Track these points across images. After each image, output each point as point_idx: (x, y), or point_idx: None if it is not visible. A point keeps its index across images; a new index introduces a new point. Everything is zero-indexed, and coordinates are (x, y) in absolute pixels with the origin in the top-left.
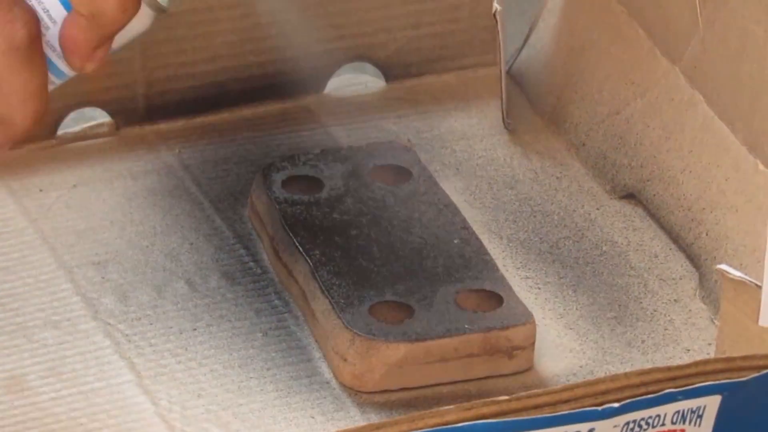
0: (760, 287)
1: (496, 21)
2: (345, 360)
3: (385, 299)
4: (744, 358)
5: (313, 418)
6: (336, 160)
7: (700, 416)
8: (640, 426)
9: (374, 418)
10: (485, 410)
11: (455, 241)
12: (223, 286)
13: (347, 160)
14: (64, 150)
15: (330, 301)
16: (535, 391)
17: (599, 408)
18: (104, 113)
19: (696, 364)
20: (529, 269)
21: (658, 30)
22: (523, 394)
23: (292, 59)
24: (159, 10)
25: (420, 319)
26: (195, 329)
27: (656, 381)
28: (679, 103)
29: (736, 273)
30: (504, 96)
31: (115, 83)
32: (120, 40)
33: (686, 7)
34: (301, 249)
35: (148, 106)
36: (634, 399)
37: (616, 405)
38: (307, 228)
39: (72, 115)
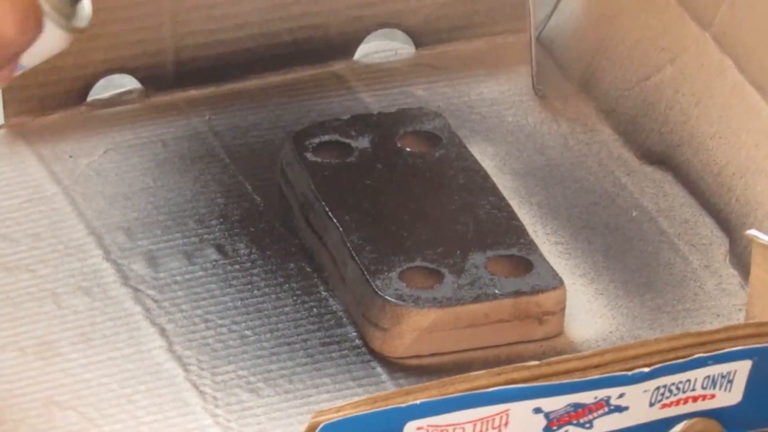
0: None
1: None
2: (375, 326)
3: (415, 265)
4: None
5: (343, 383)
6: (366, 126)
7: (730, 381)
8: (670, 391)
9: (404, 383)
10: (515, 375)
11: (485, 207)
12: (253, 251)
13: (377, 126)
14: (93, 117)
15: (360, 267)
16: (566, 356)
17: (629, 373)
18: (134, 80)
19: (726, 329)
20: (560, 235)
21: None
22: (554, 359)
23: (321, 26)
24: (73, 31)
25: (450, 284)
26: (225, 295)
27: (686, 346)
28: (709, 69)
29: (765, 238)
30: (534, 62)
31: (145, 50)
32: (31, 59)
33: None
34: (331, 214)
35: (178, 72)
36: (664, 364)
37: (646, 370)
38: (337, 194)
39: (101, 81)
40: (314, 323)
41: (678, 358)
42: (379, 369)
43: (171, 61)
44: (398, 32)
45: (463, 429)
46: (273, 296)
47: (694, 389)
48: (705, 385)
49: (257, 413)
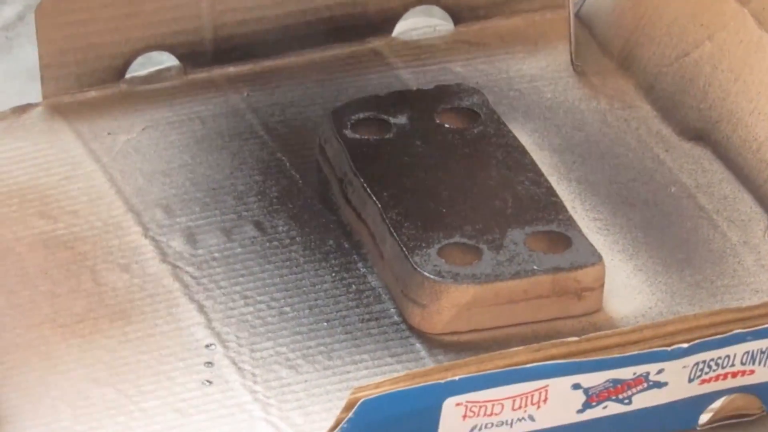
0: None
1: None
2: (414, 302)
3: (454, 241)
4: None
5: (382, 359)
6: (404, 102)
7: None
8: (709, 366)
9: (443, 359)
10: (554, 351)
11: (524, 183)
12: (291, 228)
13: (415, 102)
14: (132, 94)
15: (399, 243)
16: (605, 332)
17: (668, 349)
18: (172, 57)
19: (765, 304)
20: (598, 211)
21: None
22: (593, 335)
23: (359, 3)
24: None
25: (489, 260)
26: (264, 272)
27: (725, 322)
28: (748, 45)
29: None
30: (572, 38)
31: (183, 27)
32: None
33: None
34: (369, 191)
35: (216, 49)
36: (703, 340)
37: (685, 346)
38: (375, 170)
39: (140, 59)
40: (353, 300)
41: (717, 333)
42: (418, 345)
43: (209, 38)
44: (437, 9)
45: (502, 405)
46: (312, 273)
47: (733, 365)
48: (744, 360)
49: (296, 390)
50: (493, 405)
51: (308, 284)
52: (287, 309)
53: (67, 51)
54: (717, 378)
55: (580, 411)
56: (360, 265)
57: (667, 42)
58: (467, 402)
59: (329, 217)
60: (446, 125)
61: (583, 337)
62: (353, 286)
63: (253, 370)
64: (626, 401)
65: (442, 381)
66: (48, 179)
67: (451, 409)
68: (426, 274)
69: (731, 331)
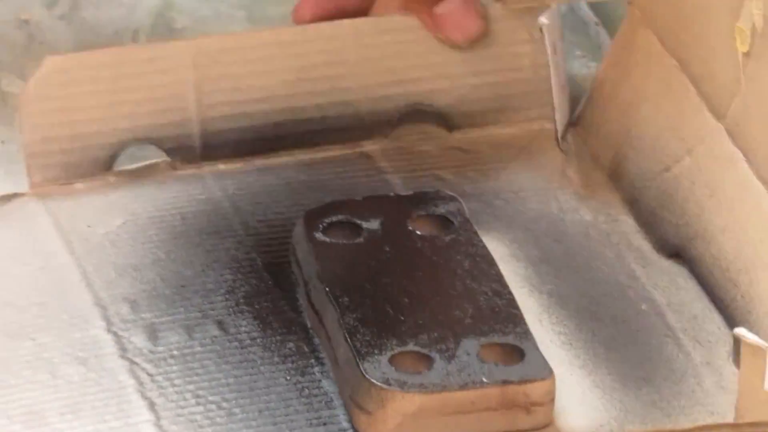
0: None
1: (542, 34)
2: (361, 408)
3: (407, 349)
4: (750, 424)
5: None
6: (380, 207)
7: None
8: None
9: None
10: None
11: (486, 294)
12: (254, 329)
13: (390, 207)
14: (117, 186)
15: (351, 349)
16: None
17: None
18: (160, 151)
19: (700, 428)
20: (564, 325)
21: (704, 85)
22: None
23: (351, 104)
24: None
25: (439, 370)
26: (220, 371)
27: None
28: (722, 161)
29: (751, 337)
30: (557, 114)
31: (171, 121)
32: None
33: (731, 62)
34: (330, 295)
35: (205, 145)
36: None
37: None
38: (339, 274)
39: (128, 151)
40: (304, 404)
41: None
42: None
43: (197, 133)
44: (430, 114)
45: None
46: (267, 375)
47: None
48: None
49: None
50: None
51: (262, 386)
52: (236, 410)
53: (52, 140)
54: None
55: None
56: (317, 369)
57: (651, 155)
58: None
59: (294, 319)
60: (418, 232)
61: None
62: (306, 390)
63: None
64: None
65: None
66: (21, 269)
67: None
68: (373, 380)
69: None
